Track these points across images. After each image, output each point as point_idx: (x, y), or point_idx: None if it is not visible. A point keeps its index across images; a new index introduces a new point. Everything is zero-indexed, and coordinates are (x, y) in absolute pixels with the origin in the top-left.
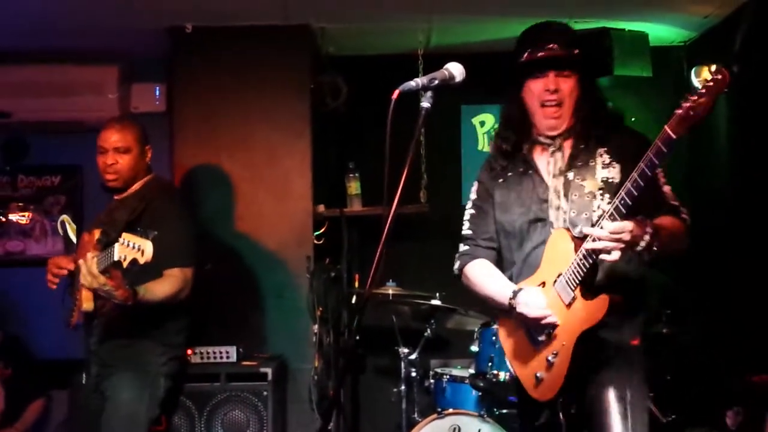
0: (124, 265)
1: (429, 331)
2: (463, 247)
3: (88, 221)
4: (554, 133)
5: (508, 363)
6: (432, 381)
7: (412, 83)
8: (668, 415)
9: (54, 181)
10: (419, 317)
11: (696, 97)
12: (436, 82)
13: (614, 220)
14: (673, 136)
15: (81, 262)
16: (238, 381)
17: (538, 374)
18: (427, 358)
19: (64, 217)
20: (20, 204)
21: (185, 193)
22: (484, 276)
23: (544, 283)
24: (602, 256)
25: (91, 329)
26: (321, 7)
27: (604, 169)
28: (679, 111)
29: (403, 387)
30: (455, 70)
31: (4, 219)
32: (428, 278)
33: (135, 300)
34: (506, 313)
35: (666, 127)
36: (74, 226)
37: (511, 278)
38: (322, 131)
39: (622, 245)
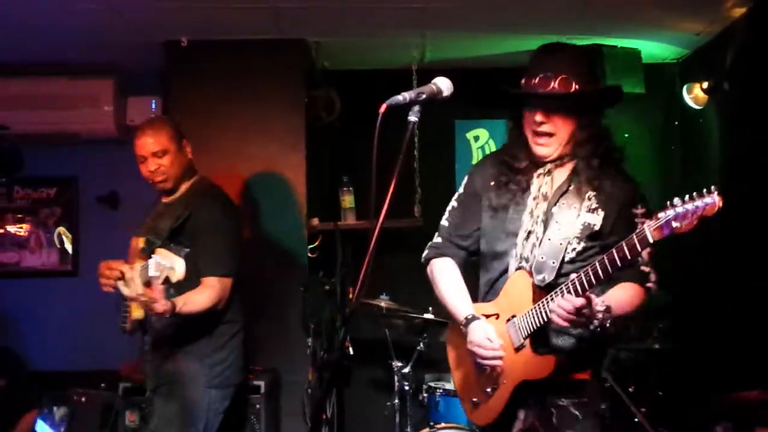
0: (158, 282)
1: (422, 344)
2: (436, 239)
3: (84, 233)
4: (546, 160)
5: (451, 376)
6: (425, 395)
7: (400, 97)
8: (659, 429)
9: (50, 193)
10: (412, 331)
11: (682, 212)
12: (424, 96)
13: (575, 291)
14: (651, 240)
15: (125, 269)
16: None
17: (474, 399)
18: (420, 371)
19: (61, 229)
20: (18, 216)
21: (229, 200)
22: (445, 282)
23: (498, 315)
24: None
25: (144, 338)
26: (315, 22)
27: (589, 213)
28: (662, 216)
29: (396, 400)
30: (443, 84)
31: (3, 231)
32: (422, 292)
33: (173, 312)
34: (456, 324)
35: (646, 227)
36: (70, 236)
37: (487, 284)
38: (317, 145)
39: (573, 323)
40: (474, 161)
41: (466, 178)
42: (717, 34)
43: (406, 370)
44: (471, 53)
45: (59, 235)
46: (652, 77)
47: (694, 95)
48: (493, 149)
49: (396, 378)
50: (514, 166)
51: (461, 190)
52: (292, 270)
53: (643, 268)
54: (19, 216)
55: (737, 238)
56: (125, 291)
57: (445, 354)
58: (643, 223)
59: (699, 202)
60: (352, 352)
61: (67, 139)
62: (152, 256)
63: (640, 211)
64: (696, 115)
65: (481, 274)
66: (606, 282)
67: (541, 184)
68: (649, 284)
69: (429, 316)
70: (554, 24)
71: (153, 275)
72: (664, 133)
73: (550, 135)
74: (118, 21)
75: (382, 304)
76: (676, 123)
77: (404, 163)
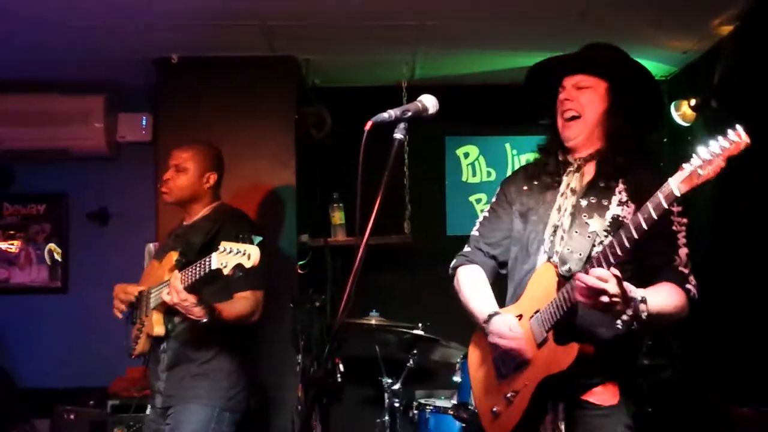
0: (225, 272)
1: (411, 361)
2: (465, 248)
3: (74, 249)
4: (571, 144)
5: (471, 391)
6: (416, 411)
7: (385, 115)
8: None
9: (39, 209)
10: (403, 347)
11: (708, 157)
12: (410, 113)
13: (600, 266)
14: (677, 193)
15: (172, 276)
16: None
17: (494, 409)
18: (411, 388)
19: (51, 245)
20: (8, 232)
21: (252, 220)
22: (469, 287)
23: (521, 316)
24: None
25: (158, 355)
26: (306, 40)
27: (619, 206)
28: (687, 166)
29: (386, 417)
30: (428, 102)
31: None
32: (412, 308)
33: (212, 318)
34: (482, 330)
35: (670, 180)
36: (60, 251)
37: (514, 288)
38: (307, 161)
39: (605, 298)
40: (464, 178)
41: (498, 189)
42: (705, 52)
43: (396, 386)
44: (462, 70)
45: (50, 251)
46: None
47: (682, 112)
48: (483, 166)
49: (386, 395)
50: (546, 164)
51: (493, 199)
52: (281, 286)
53: (681, 269)
54: (10, 232)
55: (728, 256)
56: (166, 298)
57: (457, 365)
58: (680, 223)
59: (725, 143)
60: (342, 369)
61: (57, 156)
62: (217, 249)
63: (676, 209)
64: (684, 132)
65: (509, 284)
66: (634, 256)
67: (570, 180)
68: (689, 286)
69: (419, 332)
70: (546, 42)
71: (216, 268)
72: (677, 170)
73: (575, 118)
74: (109, 38)
75: (372, 320)
76: (665, 140)
77: (390, 180)
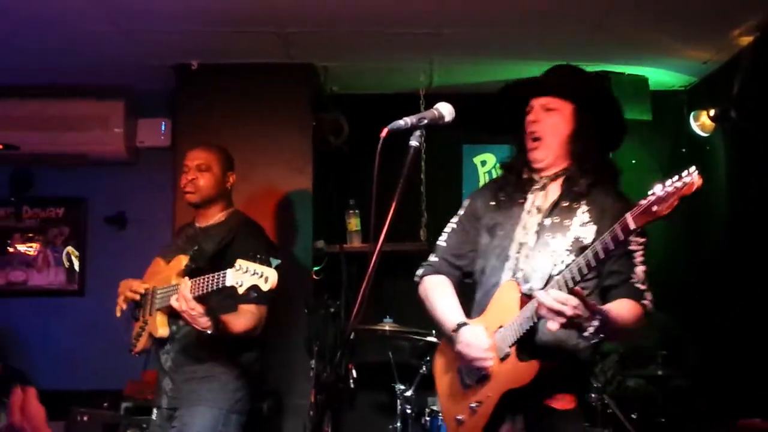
0: (240, 291)
1: (424, 367)
2: (431, 258)
3: (91, 252)
4: (538, 166)
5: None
6: (428, 418)
7: (401, 122)
8: None
9: (58, 212)
10: (416, 353)
11: (662, 195)
12: (425, 121)
13: (561, 289)
14: (632, 226)
15: (182, 281)
16: None
17: (459, 417)
18: (423, 395)
19: (70, 248)
20: (27, 235)
21: (266, 233)
22: (436, 295)
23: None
24: (547, 324)
25: (159, 356)
26: (324, 47)
27: (581, 227)
28: (643, 202)
29: (398, 424)
30: (444, 109)
31: (12, 249)
32: (426, 315)
33: (216, 330)
34: (449, 339)
35: (628, 215)
36: (77, 254)
37: (479, 302)
38: (324, 168)
39: (563, 319)
40: (481, 186)
41: (466, 201)
42: (724, 62)
43: (408, 393)
44: (479, 78)
45: (68, 254)
46: (660, 104)
47: (701, 123)
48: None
49: (399, 401)
50: (512, 182)
51: (461, 212)
52: (296, 292)
53: (638, 285)
54: (29, 235)
55: (744, 263)
56: (174, 303)
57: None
58: (638, 242)
59: (678, 183)
60: (355, 375)
61: (76, 160)
62: (233, 266)
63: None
64: (703, 143)
65: (476, 295)
66: (597, 279)
67: (536, 198)
68: (645, 302)
69: (432, 338)
70: (563, 50)
71: (231, 284)
72: (671, 161)
73: (538, 139)
74: (129, 44)
75: (386, 326)
76: (684, 150)
77: (405, 187)
